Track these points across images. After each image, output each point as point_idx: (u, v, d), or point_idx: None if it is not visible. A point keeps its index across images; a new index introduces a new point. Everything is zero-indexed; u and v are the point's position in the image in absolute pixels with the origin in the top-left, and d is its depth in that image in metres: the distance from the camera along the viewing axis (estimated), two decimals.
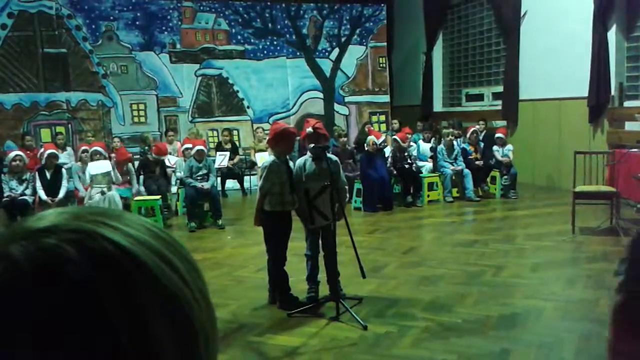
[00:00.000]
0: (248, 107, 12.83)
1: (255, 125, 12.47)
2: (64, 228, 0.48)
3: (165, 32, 12.29)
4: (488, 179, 10.21)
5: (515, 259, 6.19)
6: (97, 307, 0.45)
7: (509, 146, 10.15)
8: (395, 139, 9.94)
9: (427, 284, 5.40)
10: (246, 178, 11.35)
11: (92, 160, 8.32)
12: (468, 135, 10.36)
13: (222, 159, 10.73)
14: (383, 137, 10.07)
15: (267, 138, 5.48)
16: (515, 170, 9.93)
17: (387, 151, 10.20)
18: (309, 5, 13.35)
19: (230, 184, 11.29)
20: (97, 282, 0.45)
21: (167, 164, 9.92)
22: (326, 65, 13.38)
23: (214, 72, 12.62)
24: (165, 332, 0.47)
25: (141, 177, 9.29)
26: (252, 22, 12.87)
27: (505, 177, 9.97)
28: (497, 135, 10.26)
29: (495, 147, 10.17)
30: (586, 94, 9.97)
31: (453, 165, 9.90)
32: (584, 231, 7.23)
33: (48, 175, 8.16)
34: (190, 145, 9.13)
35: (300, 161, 5.03)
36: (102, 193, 7.93)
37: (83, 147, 9.36)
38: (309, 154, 4.99)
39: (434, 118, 13.83)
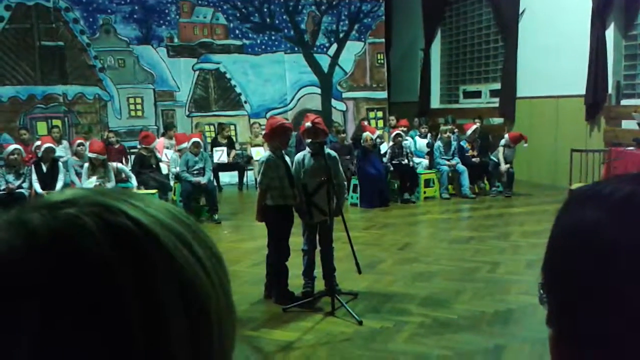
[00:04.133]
0: (245, 102, 12.82)
1: (252, 120, 12.46)
2: (85, 201, 0.47)
3: (163, 26, 12.26)
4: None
5: (510, 255, 6.20)
6: (110, 282, 0.44)
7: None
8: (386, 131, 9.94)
9: (422, 279, 5.41)
10: (244, 172, 11.33)
11: (91, 166, 8.19)
12: (469, 134, 10.29)
13: (220, 155, 10.71)
14: (378, 133, 10.07)
15: (264, 132, 5.47)
16: (512, 170, 9.93)
17: (384, 147, 10.20)
18: (307, 1, 13.32)
19: (227, 178, 11.26)
20: (113, 256, 0.44)
21: (164, 158, 9.90)
22: (324, 61, 13.36)
23: (211, 67, 12.60)
24: (179, 316, 0.46)
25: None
26: (250, 17, 12.84)
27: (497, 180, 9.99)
28: (507, 138, 10.04)
29: (504, 151, 10.02)
30: (583, 92, 9.98)
31: (449, 161, 9.90)
32: None
33: (44, 168, 8.14)
34: (186, 145, 9.04)
35: (299, 156, 5.03)
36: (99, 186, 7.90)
37: (79, 141, 9.33)
38: (308, 149, 4.99)
39: (431, 115, 13.83)
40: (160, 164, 9.60)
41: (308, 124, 5.03)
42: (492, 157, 10.15)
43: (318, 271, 5.01)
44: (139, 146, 9.71)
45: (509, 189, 9.90)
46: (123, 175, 8.78)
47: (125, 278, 0.44)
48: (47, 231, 0.44)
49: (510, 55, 11.85)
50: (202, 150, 8.76)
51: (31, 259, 0.43)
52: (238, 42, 12.76)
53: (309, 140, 4.96)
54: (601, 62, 9.72)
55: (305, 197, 4.70)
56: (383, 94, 13.91)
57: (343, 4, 13.58)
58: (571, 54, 10.10)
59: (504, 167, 9.85)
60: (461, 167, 9.83)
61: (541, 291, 0.63)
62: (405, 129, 10.20)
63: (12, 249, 0.44)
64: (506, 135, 10.13)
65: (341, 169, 5.22)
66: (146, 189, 8.79)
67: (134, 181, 8.77)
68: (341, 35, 13.51)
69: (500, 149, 9.97)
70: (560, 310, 0.60)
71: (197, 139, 8.63)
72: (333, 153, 5.12)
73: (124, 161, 9.46)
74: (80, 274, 0.43)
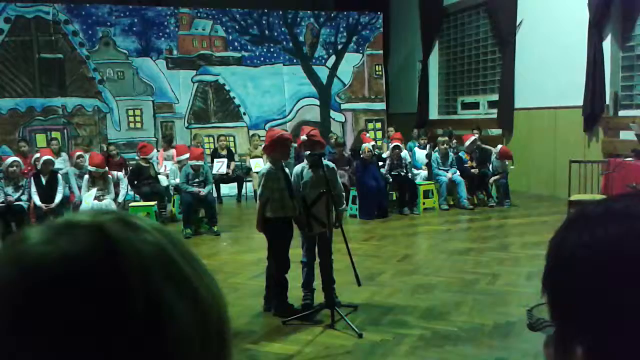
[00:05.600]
0: (244, 114, 12.84)
1: (251, 132, 12.48)
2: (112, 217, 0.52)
3: (162, 38, 12.31)
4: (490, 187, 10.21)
5: (510, 267, 6.19)
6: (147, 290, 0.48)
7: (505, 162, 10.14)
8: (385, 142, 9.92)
9: (422, 291, 5.40)
10: (243, 184, 11.31)
11: (91, 178, 8.17)
12: (467, 144, 10.33)
13: (220, 166, 10.70)
14: (372, 143, 10.06)
15: (263, 145, 5.48)
16: (503, 180, 9.95)
17: (384, 155, 10.21)
18: (305, 13, 13.39)
19: (226, 190, 11.25)
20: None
21: (162, 170, 9.90)
22: (322, 73, 13.41)
23: (210, 79, 12.64)
24: (189, 322, 0.50)
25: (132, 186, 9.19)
26: (249, 29, 12.90)
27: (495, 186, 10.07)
28: (497, 150, 10.20)
29: (495, 161, 10.16)
30: (581, 103, 10.01)
31: (448, 172, 9.91)
32: None
33: (43, 181, 8.13)
34: (187, 156, 9.04)
35: (297, 169, 5.03)
36: (98, 199, 7.89)
37: (78, 153, 9.34)
38: (305, 161, 5.00)
39: (429, 126, 13.87)
40: (159, 175, 9.59)
41: (303, 136, 5.05)
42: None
43: (317, 283, 5.00)
44: (137, 157, 9.71)
45: (506, 199, 9.91)
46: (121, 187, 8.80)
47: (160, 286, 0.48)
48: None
49: (507, 67, 11.90)
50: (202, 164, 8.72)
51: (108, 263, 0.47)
52: (237, 54, 12.81)
53: (307, 153, 4.98)
54: (599, 73, 9.75)
55: (304, 209, 4.70)
56: (381, 105, 13.95)
57: (341, 16, 13.65)
58: (569, 65, 10.14)
59: (492, 178, 10.05)
60: (458, 178, 9.84)
61: (541, 318, 0.62)
62: (399, 144, 9.96)
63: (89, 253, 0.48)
64: (498, 147, 10.21)
65: (339, 180, 5.23)
66: (144, 200, 8.79)
67: (124, 191, 8.78)
68: (339, 47, 13.56)
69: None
70: (586, 327, 0.58)
71: (199, 162, 8.48)
72: (331, 164, 5.13)
73: (123, 172, 9.44)
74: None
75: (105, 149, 10.76)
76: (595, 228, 0.59)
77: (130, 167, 9.77)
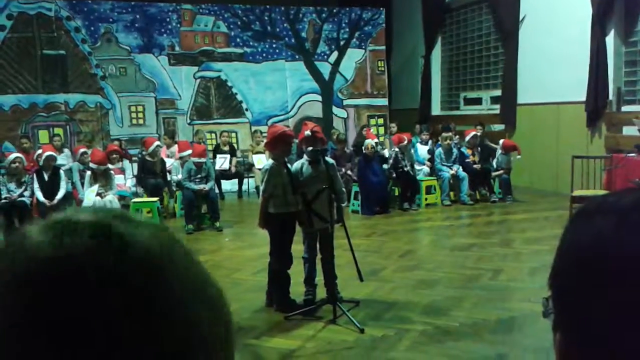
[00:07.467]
0: (247, 110, 12.84)
1: (253, 128, 12.48)
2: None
3: (164, 35, 12.30)
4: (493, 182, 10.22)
5: (512, 262, 6.19)
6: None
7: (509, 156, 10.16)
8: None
9: (424, 287, 5.40)
10: (244, 180, 11.34)
11: (94, 177, 8.18)
12: (468, 139, 10.34)
13: (222, 162, 10.71)
14: (376, 140, 10.04)
15: (265, 141, 5.48)
16: (506, 176, 9.95)
17: (386, 154, 10.19)
18: (308, 9, 13.37)
19: (228, 186, 11.27)
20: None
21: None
22: (325, 69, 13.39)
23: (212, 75, 12.63)
24: (213, 326, 0.50)
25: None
26: (251, 25, 12.89)
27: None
28: (500, 144, 10.25)
29: (500, 156, 10.19)
30: (584, 99, 9.99)
31: (452, 168, 9.90)
32: None
33: (46, 176, 8.15)
34: (189, 152, 9.05)
35: (297, 165, 5.03)
36: (100, 195, 7.91)
37: (82, 150, 9.37)
38: (305, 157, 5.00)
39: (432, 122, 13.85)
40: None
41: (307, 132, 5.04)
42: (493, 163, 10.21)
43: (319, 279, 5.00)
44: (143, 152, 9.73)
45: (508, 195, 9.91)
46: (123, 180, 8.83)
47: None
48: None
49: (510, 62, 11.87)
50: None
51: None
52: (239, 50, 12.80)
53: (310, 148, 4.97)
54: (602, 68, 9.72)
55: (305, 205, 4.70)
56: (384, 101, 13.93)
57: (344, 11, 13.63)
58: (571, 60, 10.11)
59: (495, 172, 10.10)
60: (462, 173, 9.83)
61: (548, 305, 0.64)
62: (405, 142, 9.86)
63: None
64: (500, 141, 10.23)
65: (339, 176, 5.22)
66: (149, 195, 8.80)
67: (129, 182, 8.83)
68: (342, 42, 13.54)
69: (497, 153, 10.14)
70: (565, 315, 0.61)
71: (202, 159, 8.49)
72: (330, 160, 5.12)
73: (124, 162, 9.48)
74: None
75: (121, 144, 10.80)
76: (584, 223, 0.61)
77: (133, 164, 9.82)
